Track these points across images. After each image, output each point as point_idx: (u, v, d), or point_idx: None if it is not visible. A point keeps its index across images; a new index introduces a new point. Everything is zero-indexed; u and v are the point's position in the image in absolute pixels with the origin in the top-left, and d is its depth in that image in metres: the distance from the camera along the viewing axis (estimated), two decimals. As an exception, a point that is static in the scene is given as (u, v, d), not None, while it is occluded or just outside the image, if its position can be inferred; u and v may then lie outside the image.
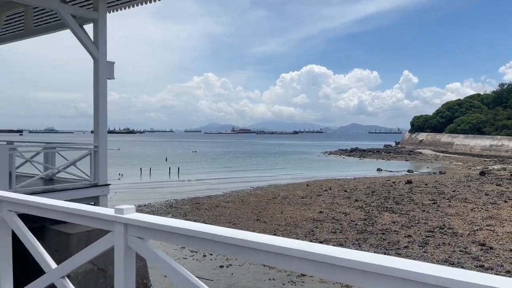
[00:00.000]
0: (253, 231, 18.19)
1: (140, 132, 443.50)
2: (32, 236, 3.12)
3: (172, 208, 22.58)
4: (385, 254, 14.17)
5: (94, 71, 9.07)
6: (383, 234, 16.45)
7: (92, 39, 9.00)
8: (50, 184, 9.04)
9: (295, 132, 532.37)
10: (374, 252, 14.21)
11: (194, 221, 19.33)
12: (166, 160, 56.84)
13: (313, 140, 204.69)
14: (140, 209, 22.25)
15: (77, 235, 6.93)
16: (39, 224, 6.39)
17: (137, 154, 72.17)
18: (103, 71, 8.90)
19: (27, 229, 3.22)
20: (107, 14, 9.09)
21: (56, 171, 9.59)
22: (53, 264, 2.94)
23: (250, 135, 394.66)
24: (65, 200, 3.36)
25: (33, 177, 9.29)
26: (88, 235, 7.05)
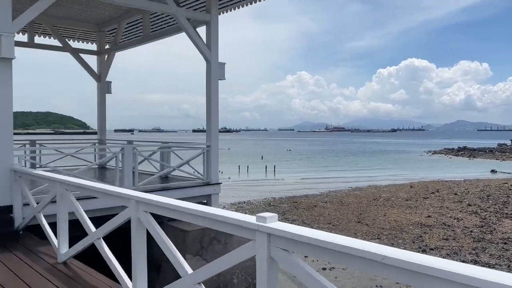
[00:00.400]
0: (355, 233, 17.45)
1: (236, 131, 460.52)
2: (167, 238, 3.14)
3: (270, 206, 22.76)
4: (508, 266, 12.66)
5: (206, 72, 9.32)
6: (505, 243, 14.69)
7: (205, 41, 9.29)
8: (165, 182, 9.55)
9: (393, 130, 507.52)
10: (496, 263, 12.76)
11: (293, 220, 19.22)
12: (261, 158, 57.83)
13: (414, 138, 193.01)
14: (240, 206, 22.82)
15: (193, 233, 7.15)
16: (158, 221, 6.69)
17: (235, 152, 74.56)
18: (215, 72, 9.12)
19: (162, 230, 3.25)
20: (218, 15, 9.33)
21: (171, 169, 10.09)
22: (189, 269, 2.90)
23: (345, 133, 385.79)
24: (178, 199, 3.34)
25: (150, 174, 9.88)
26: (203, 233, 7.24)
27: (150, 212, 3.36)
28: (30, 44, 12.17)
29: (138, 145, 9.75)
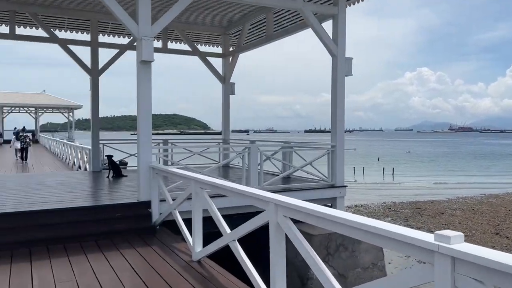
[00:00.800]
0: (493, 247, 15.52)
1: (349, 131, 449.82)
2: (310, 247, 2.85)
3: (391, 211, 21.46)
4: None
5: (332, 68, 8.94)
6: None
7: (331, 35, 8.92)
8: (287, 183, 9.40)
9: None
10: None
11: (417, 228, 17.74)
12: (378, 160, 55.25)
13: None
14: (356, 209, 21.90)
15: (318, 237, 6.83)
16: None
17: (348, 152, 72.43)
18: (341, 67, 8.68)
19: (303, 236, 2.98)
20: (346, 8, 8.89)
21: (293, 169, 9.91)
22: (337, 285, 2.57)
23: (472, 133, 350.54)
24: (303, 201, 3.00)
25: (272, 174, 9.82)
26: (329, 238, 6.88)
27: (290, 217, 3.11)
28: (164, 49, 13.14)
29: (260, 145, 9.76)
